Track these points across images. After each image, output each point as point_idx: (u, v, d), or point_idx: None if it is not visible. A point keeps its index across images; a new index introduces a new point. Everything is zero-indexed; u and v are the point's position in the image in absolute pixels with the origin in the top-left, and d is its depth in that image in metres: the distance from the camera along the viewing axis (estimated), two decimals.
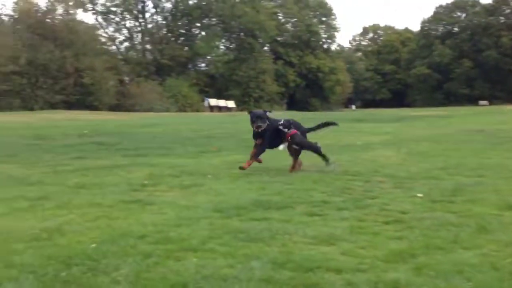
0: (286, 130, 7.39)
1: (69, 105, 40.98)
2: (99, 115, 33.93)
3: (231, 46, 64.98)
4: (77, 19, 48.29)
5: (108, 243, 3.58)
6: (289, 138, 7.36)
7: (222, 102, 52.48)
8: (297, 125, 7.77)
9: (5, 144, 11.86)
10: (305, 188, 5.79)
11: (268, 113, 7.64)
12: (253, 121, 7.46)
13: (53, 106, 40.75)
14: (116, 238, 3.72)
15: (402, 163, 8.04)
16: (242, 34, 62.32)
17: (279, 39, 67.37)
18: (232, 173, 7.23)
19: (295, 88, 66.71)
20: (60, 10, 46.23)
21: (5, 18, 44.76)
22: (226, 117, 30.75)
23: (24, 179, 6.65)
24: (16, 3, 44.85)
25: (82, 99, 43.48)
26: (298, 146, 7.41)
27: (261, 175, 7.02)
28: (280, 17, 70.16)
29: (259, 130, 7.41)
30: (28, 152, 10.41)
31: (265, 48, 66.15)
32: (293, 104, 62.21)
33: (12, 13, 45.00)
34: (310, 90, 67.17)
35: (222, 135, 15.19)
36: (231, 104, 53.13)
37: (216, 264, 3.10)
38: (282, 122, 7.48)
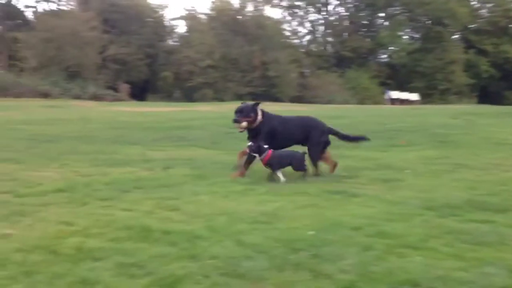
0: (257, 156, 6.05)
1: (255, 97, 43.54)
2: (283, 106, 35.36)
3: (416, 36, 61.80)
4: (265, 15, 50.89)
5: (324, 231, 3.65)
6: (265, 164, 6.04)
7: (404, 95, 50.32)
8: (313, 125, 6.62)
9: (208, 132, 13.07)
10: None
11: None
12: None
13: (241, 97, 43.79)
14: (330, 227, 3.78)
15: None
16: (429, 22, 58.79)
17: (471, 26, 61.83)
18: (432, 169, 6.85)
19: (488, 79, 60.58)
20: (250, 7, 49.29)
21: (204, 17, 49.34)
22: (409, 110, 29.41)
23: (229, 165, 7.20)
24: (213, 2, 49.16)
25: (267, 91, 45.83)
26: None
27: (464, 172, 6.51)
28: (473, 3, 64.26)
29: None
30: (226, 140, 11.30)
31: (455, 36, 61.33)
32: (485, 97, 56.56)
33: (209, 12, 49.43)
34: (506, 82, 60.32)
35: (408, 129, 14.51)
36: (414, 97, 50.61)
37: (445, 265, 2.93)
38: (250, 144, 6.14)
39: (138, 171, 6.47)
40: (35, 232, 3.66)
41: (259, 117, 6.38)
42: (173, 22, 51.46)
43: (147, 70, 47.49)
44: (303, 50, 57.72)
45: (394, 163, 7.44)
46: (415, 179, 6.05)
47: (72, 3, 46.77)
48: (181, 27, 71.91)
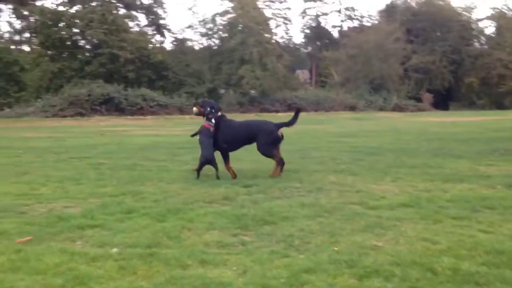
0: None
1: None
2: None
3: None
4: None
5: None
6: None
7: None
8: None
9: None
10: None
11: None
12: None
13: None
14: None
15: None
16: None
17: None
18: None
19: None
20: None
21: None
22: None
23: None
24: None
25: None
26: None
27: None
28: None
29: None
30: None
31: None
32: None
33: None
34: None
35: None
36: None
37: None
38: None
39: (477, 188, 6.13)
40: (401, 246, 3.81)
41: (213, 116, 7.44)
42: (480, 24, 47.59)
43: (451, 77, 45.50)
44: None
45: None
46: None
47: (375, 17, 48.71)
48: (489, 28, 66.29)
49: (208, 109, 7.53)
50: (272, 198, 5.78)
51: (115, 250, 3.80)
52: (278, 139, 7.56)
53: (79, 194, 6.15)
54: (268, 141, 7.52)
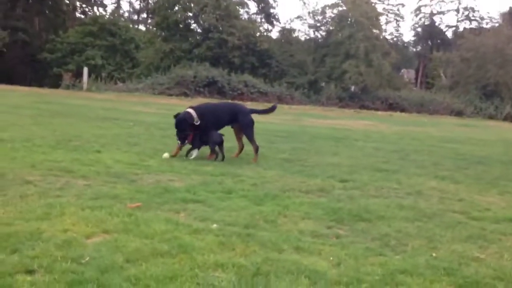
0: None
1: None
2: None
3: None
4: None
5: None
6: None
7: None
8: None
9: None
10: None
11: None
12: None
13: None
14: None
15: None
16: None
17: None
18: None
19: None
20: None
21: None
22: None
23: None
24: None
25: None
26: None
27: None
28: None
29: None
30: None
31: None
32: None
33: None
34: None
35: None
36: None
37: None
38: None
39: None
40: (505, 261, 3.63)
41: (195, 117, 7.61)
42: None
43: None
44: None
45: None
46: None
47: (496, 20, 45.43)
48: None
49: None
50: (368, 196, 5.72)
51: (215, 226, 4.01)
52: (253, 122, 8.10)
53: (183, 169, 6.52)
54: (249, 123, 8.02)
